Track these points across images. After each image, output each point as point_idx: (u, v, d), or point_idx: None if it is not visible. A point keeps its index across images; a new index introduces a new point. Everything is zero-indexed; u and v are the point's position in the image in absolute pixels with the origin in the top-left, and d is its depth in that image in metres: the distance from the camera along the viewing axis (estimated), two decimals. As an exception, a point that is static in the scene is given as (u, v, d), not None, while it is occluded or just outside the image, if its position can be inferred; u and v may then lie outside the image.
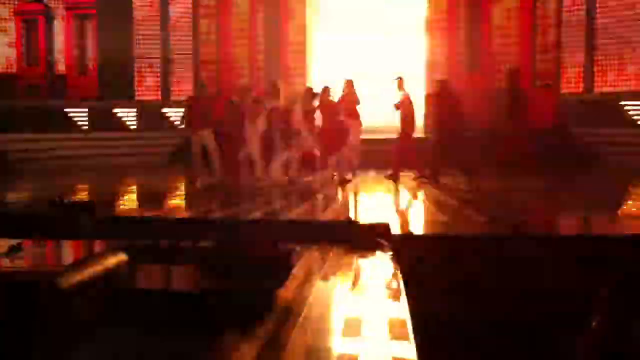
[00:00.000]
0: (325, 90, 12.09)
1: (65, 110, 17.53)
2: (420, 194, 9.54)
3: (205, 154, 10.96)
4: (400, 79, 11.72)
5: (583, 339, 3.74)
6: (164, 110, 18.17)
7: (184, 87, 18.43)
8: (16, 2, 18.35)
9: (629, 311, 3.98)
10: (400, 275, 4.81)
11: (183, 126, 11.38)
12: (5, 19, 18.28)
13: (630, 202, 9.16)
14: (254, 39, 17.90)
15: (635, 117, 15.26)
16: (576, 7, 16.24)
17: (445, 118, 10.97)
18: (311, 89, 12.81)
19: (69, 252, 3.69)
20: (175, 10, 18.58)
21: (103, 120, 17.71)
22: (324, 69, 17.22)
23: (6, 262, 3.08)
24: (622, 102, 15.29)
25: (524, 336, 5.00)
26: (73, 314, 3.07)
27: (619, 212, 8.11)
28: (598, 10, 15.93)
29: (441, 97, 11.34)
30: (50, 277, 2.82)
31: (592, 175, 12.45)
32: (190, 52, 18.51)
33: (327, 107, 11.76)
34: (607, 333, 3.75)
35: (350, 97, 11.90)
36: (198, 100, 11.34)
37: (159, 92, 18.77)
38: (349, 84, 12.07)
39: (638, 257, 5.38)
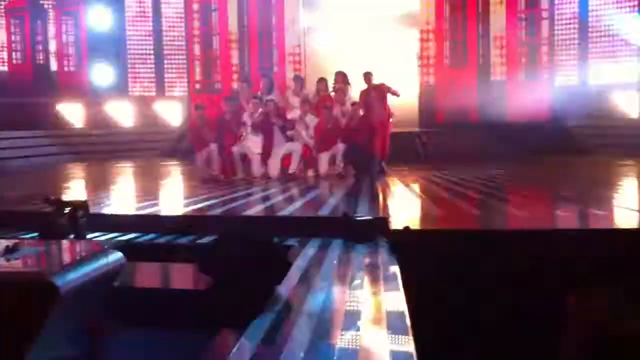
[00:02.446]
0: (321, 81, 12.05)
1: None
2: (415, 187, 9.55)
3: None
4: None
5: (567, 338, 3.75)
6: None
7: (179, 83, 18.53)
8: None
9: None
10: (398, 269, 4.81)
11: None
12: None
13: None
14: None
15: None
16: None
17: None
18: (301, 77, 12.79)
19: (66, 251, 3.68)
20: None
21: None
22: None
23: (2, 263, 3.05)
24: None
25: (517, 333, 5.02)
26: (72, 314, 3.06)
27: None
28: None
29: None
30: (48, 277, 2.80)
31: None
32: (183, 49, 18.55)
33: (323, 100, 11.74)
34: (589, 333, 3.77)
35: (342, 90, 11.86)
36: (197, 124, 11.12)
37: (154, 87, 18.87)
38: (340, 76, 12.00)
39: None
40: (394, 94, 11.72)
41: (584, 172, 11.60)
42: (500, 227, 6.29)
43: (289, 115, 11.50)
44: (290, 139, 11.13)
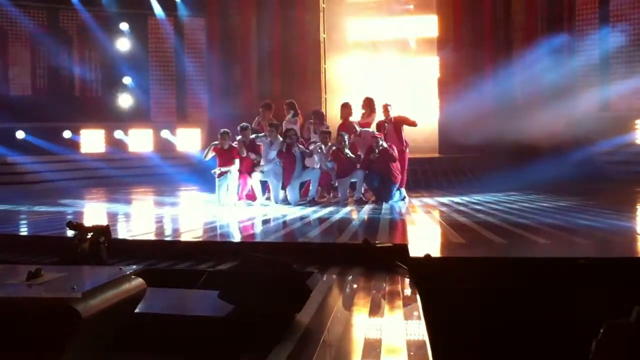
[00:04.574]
0: (346, 106, 12.12)
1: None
2: (435, 214, 9.50)
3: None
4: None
5: None
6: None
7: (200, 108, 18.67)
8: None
9: None
10: (418, 297, 4.78)
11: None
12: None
13: None
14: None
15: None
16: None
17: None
18: (320, 111, 12.91)
19: (88, 276, 3.70)
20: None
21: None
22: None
23: (25, 288, 3.08)
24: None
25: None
26: (93, 340, 3.07)
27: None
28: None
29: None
30: (70, 303, 2.82)
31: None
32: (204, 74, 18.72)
33: (345, 126, 11.78)
34: None
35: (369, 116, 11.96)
36: (220, 149, 11.14)
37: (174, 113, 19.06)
38: (368, 102, 12.07)
39: None
40: (412, 124, 11.79)
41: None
42: (521, 255, 6.20)
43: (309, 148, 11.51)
44: (308, 167, 11.17)
